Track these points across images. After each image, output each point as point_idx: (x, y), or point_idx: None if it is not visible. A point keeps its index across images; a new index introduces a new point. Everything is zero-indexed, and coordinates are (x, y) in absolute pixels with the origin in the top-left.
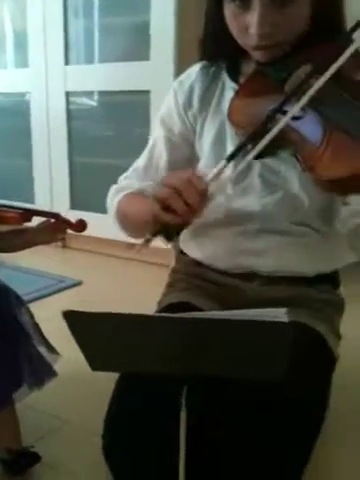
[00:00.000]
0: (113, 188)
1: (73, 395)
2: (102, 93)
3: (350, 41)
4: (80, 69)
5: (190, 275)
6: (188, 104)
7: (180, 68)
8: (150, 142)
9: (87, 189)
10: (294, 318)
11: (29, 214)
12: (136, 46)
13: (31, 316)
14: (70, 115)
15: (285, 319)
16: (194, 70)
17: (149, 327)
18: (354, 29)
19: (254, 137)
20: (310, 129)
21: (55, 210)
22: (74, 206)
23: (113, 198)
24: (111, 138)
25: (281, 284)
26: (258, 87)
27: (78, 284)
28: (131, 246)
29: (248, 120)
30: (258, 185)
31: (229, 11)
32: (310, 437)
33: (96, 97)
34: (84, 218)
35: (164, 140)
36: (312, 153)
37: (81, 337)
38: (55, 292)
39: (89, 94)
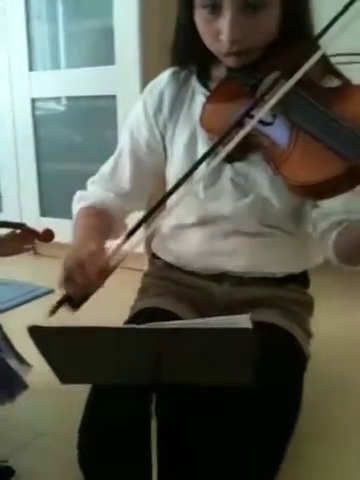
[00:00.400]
0: (77, 194)
1: (46, 406)
2: (68, 98)
3: (316, 48)
4: (45, 75)
5: (162, 278)
6: (158, 111)
7: (146, 71)
8: (117, 149)
9: (56, 196)
10: (265, 319)
11: None
12: (101, 51)
13: (7, 340)
14: (36, 121)
15: (249, 325)
16: (164, 76)
17: (114, 339)
18: (320, 36)
19: (222, 142)
20: (279, 134)
21: (25, 218)
22: (44, 213)
23: (75, 205)
24: (79, 144)
25: (252, 285)
26: (229, 93)
27: (50, 292)
28: None
29: (220, 125)
30: (229, 189)
31: (200, 17)
32: (283, 436)
33: (62, 103)
34: (55, 225)
35: (129, 153)
36: (282, 157)
37: (47, 351)
38: (27, 301)
39: (55, 100)
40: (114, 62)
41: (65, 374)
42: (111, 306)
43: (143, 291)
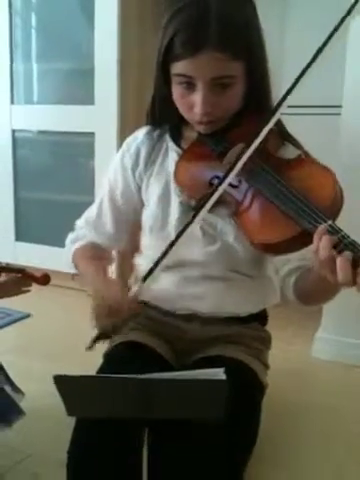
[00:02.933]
0: (70, 237)
1: (34, 429)
2: (49, 133)
3: (266, 121)
4: (28, 109)
5: (137, 315)
6: (135, 165)
7: (122, 112)
8: (98, 198)
9: (31, 221)
10: (230, 354)
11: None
12: (82, 91)
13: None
14: (16, 152)
15: (223, 377)
16: (140, 134)
17: (114, 384)
18: (275, 110)
19: (199, 203)
20: (242, 195)
21: (1, 241)
22: (19, 237)
23: (70, 246)
24: (55, 174)
25: (218, 324)
26: (199, 154)
27: (26, 317)
28: (75, 276)
29: (191, 182)
30: (200, 237)
31: (177, 91)
32: (244, 454)
33: (43, 136)
34: (28, 249)
35: (109, 202)
36: (243, 215)
37: (66, 393)
38: (3, 326)
39: (36, 133)
40: (94, 102)
41: (75, 409)
42: (86, 332)
43: None
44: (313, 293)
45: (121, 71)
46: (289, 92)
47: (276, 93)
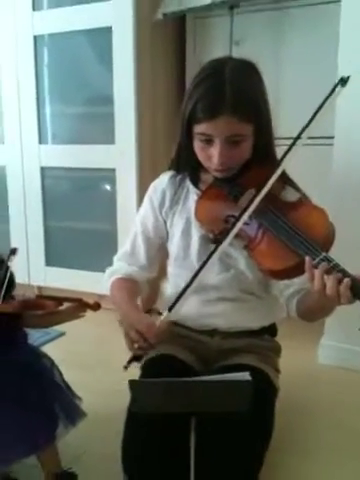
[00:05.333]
0: (108, 270)
1: (89, 429)
2: (75, 169)
3: (273, 173)
4: (55, 148)
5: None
6: (162, 205)
7: (140, 150)
8: (132, 232)
9: (60, 248)
10: (247, 362)
11: (61, 300)
12: (105, 132)
13: (60, 372)
14: (44, 186)
15: (249, 378)
16: (164, 179)
17: (168, 386)
18: (281, 160)
19: (219, 237)
20: (253, 231)
21: (32, 267)
22: (49, 263)
23: (108, 278)
24: (81, 206)
25: (235, 337)
26: (216, 196)
27: (62, 335)
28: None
29: (209, 218)
30: (216, 265)
31: (198, 145)
32: (262, 446)
33: (69, 172)
34: (58, 273)
35: (141, 236)
36: (253, 247)
37: (137, 394)
38: (43, 344)
39: (62, 170)
40: (114, 142)
41: (139, 406)
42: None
43: None
44: (313, 311)
45: (137, 114)
46: (287, 153)
47: (275, 122)
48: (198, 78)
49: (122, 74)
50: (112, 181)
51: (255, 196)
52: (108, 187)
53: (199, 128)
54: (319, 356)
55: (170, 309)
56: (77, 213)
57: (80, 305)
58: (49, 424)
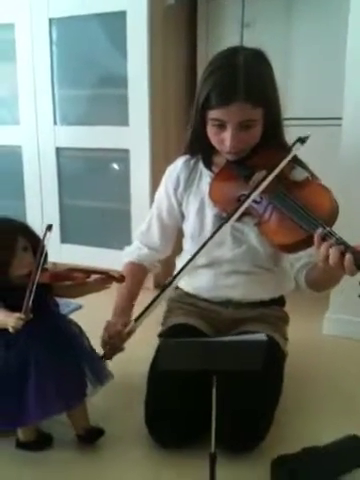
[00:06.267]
0: (126, 249)
1: (113, 391)
2: (90, 150)
3: (288, 153)
4: (70, 129)
5: (183, 303)
6: (177, 188)
7: (153, 132)
8: (149, 215)
9: (75, 226)
10: (258, 330)
11: (90, 273)
12: (119, 114)
13: (87, 338)
14: (60, 166)
15: (264, 338)
16: (179, 163)
17: (192, 345)
18: (293, 145)
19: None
20: (263, 209)
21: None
22: (64, 240)
23: (124, 258)
24: (95, 185)
25: (247, 307)
26: (228, 177)
27: (80, 308)
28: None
29: (222, 198)
30: (229, 240)
31: (211, 129)
32: (273, 400)
33: (84, 153)
34: (72, 250)
35: (156, 218)
36: (263, 224)
37: (165, 351)
38: (68, 313)
39: (77, 150)
40: (128, 124)
41: (167, 364)
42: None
43: (170, 311)
44: (320, 282)
45: (151, 96)
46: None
47: (283, 103)
48: (211, 66)
49: (136, 57)
50: (126, 161)
51: (265, 176)
52: (116, 166)
53: (213, 114)
54: (324, 327)
55: (136, 320)
56: (91, 192)
57: (106, 277)
58: (80, 383)
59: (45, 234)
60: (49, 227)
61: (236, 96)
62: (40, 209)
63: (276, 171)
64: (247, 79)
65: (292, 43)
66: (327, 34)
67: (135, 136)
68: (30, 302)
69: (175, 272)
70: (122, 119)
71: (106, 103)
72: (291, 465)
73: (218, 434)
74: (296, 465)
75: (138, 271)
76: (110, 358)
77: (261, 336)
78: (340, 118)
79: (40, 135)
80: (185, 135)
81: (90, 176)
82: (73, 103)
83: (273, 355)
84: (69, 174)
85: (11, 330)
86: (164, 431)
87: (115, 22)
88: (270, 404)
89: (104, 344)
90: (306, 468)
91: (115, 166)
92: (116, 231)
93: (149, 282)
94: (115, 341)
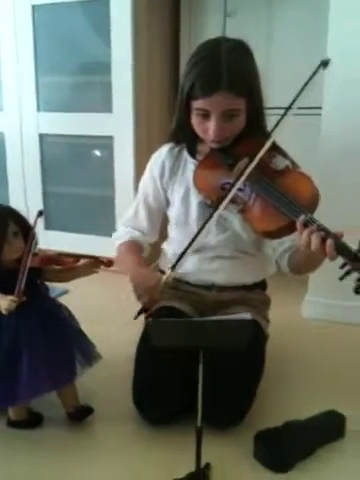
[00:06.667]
0: (115, 235)
1: (101, 371)
2: (73, 136)
3: (268, 137)
4: (53, 116)
5: (169, 287)
6: (162, 174)
7: (137, 118)
8: (135, 202)
9: (59, 212)
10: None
11: (79, 258)
12: (102, 101)
13: (76, 320)
14: (43, 153)
15: (249, 317)
16: (164, 150)
17: (180, 324)
18: (271, 132)
19: (216, 203)
20: (247, 196)
21: None
22: (48, 227)
23: (115, 241)
24: (79, 172)
25: (231, 290)
26: (212, 164)
27: (65, 293)
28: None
29: (206, 186)
30: (215, 227)
31: (195, 119)
32: (255, 377)
33: (67, 139)
34: (56, 236)
35: (143, 203)
36: (247, 211)
37: (155, 330)
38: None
39: (61, 136)
40: (112, 110)
41: (159, 341)
42: (113, 304)
43: None
44: (302, 265)
45: (134, 83)
46: (274, 128)
47: (265, 93)
48: (195, 57)
49: (120, 44)
50: (110, 148)
51: (248, 164)
52: (97, 153)
53: (197, 104)
54: (303, 310)
55: (173, 268)
56: (75, 179)
57: (95, 262)
58: (70, 363)
59: (36, 220)
60: (40, 213)
61: (219, 86)
62: (23, 196)
63: (260, 154)
64: (230, 70)
65: (274, 32)
66: (308, 23)
67: (119, 123)
68: (23, 285)
69: (166, 259)
70: (106, 106)
71: (90, 90)
72: (273, 438)
73: (204, 412)
74: (278, 438)
75: (135, 246)
76: (151, 309)
77: (246, 315)
78: (320, 107)
79: (23, 122)
80: (169, 123)
81: (74, 163)
82: (56, 90)
83: (255, 336)
84: (52, 161)
85: (4, 312)
86: (151, 409)
87: (99, 9)
88: (252, 382)
89: (141, 296)
90: (288, 440)
91: (97, 152)
92: (100, 217)
93: None
94: (154, 292)
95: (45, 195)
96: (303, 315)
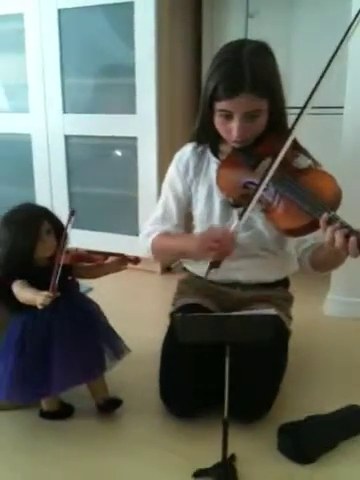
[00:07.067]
0: (143, 233)
1: (128, 366)
2: (98, 137)
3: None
4: (78, 117)
5: (193, 285)
6: (186, 173)
7: (159, 119)
8: (162, 198)
9: (84, 212)
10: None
11: (107, 255)
12: (126, 102)
13: (104, 316)
14: (69, 154)
15: (274, 313)
16: (187, 150)
17: (207, 319)
18: (291, 129)
19: (246, 202)
20: (271, 196)
21: None
22: (73, 226)
23: (146, 239)
24: (104, 172)
25: (254, 288)
26: (235, 164)
27: (90, 290)
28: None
29: (229, 185)
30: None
31: (218, 119)
32: (279, 373)
33: (93, 140)
34: (81, 235)
35: (173, 198)
36: (271, 210)
37: (181, 326)
38: None
39: (86, 138)
40: (135, 112)
41: (185, 337)
42: (134, 299)
43: (181, 292)
44: (325, 263)
45: (157, 85)
46: (295, 123)
47: (286, 92)
48: (218, 59)
49: (143, 47)
50: (133, 149)
51: (271, 164)
52: (119, 153)
53: (220, 105)
54: (324, 308)
55: (240, 217)
56: (100, 179)
57: (123, 259)
58: (100, 357)
59: (70, 218)
60: (72, 212)
61: (242, 88)
62: (49, 196)
63: (283, 151)
64: (253, 72)
65: (295, 33)
66: (329, 24)
67: (142, 124)
68: (57, 281)
69: None
70: (129, 107)
71: (114, 92)
72: (297, 431)
73: (229, 406)
74: (301, 431)
75: (170, 234)
76: (218, 266)
77: (271, 311)
78: (341, 107)
79: (49, 123)
80: (192, 125)
81: (98, 163)
82: (81, 92)
83: (279, 332)
84: (77, 161)
85: (39, 306)
86: (177, 402)
87: (122, 12)
88: (276, 376)
89: (210, 251)
90: (311, 433)
91: (120, 153)
92: (124, 217)
93: (156, 266)
94: (224, 244)
95: (70, 195)
96: (325, 313)
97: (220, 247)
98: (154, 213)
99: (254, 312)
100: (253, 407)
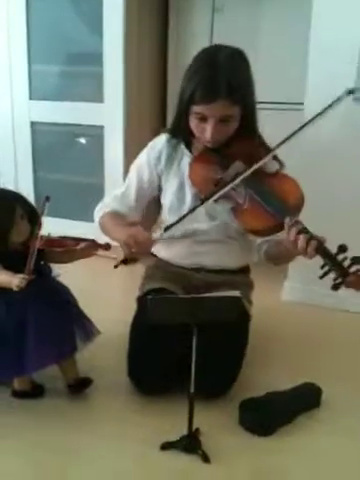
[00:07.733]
0: (100, 205)
1: (97, 347)
2: (64, 125)
3: (267, 149)
4: (45, 104)
5: (160, 269)
6: (158, 162)
7: (127, 108)
8: (128, 178)
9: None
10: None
11: (79, 241)
12: (94, 90)
13: (75, 299)
14: (34, 141)
15: (238, 295)
16: (161, 140)
17: (177, 301)
18: (276, 147)
19: (208, 197)
20: (239, 196)
21: None
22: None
23: (98, 212)
24: (69, 160)
25: (217, 273)
26: (206, 160)
27: (58, 276)
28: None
29: (201, 179)
30: (203, 216)
31: (193, 120)
32: (241, 350)
33: (59, 128)
34: (48, 222)
35: (136, 184)
36: (238, 209)
37: (153, 307)
38: None
39: (52, 125)
40: (103, 100)
41: (155, 318)
42: (101, 284)
43: (148, 277)
44: (278, 257)
45: (125, 74)
46: (279, 145)
47: None
48: (195, 65)
49: (111, 35)
50: (100, 137)
51: (244, 170)
52: (88, 142)
53: (196, 109)
54: (282, 294)
55: (165, 229)
56: (66, 167)
57: (93, 245)
58: (71, 338)
59: (44, 204)
60: (47, 198)
61: (218, 95)
62: (14, 183)
63: (257, 165)
64: (228, 80)
65: (260, 28)
66: (294, 20)
67: (110, 113)
68: (32, 264)
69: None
70: (97, 96)
71: (81, 80)
72: (256, 405)
73: (195, 381)
74: (261, 406)
75: (118, 216)
76: (126, 263)
77: (235, 293)
78: (302, 103)
79: (15, 109)
80: (158, 116)
81: (65, 151)
82: (48, 79)
83: (241, 317)
84: (43, 148)
85: (15, 288)
86: (145, 380)
87: (92, 1)
88: (238, 355)
89: (128, 248)
90: (269, 408)
91: (84, 141)
92: (89, 204)
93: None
94: (141, 248)
95: (36, 182)
96: (282, 299)
97: (137, 248)
98: (118, 189)
99: (220, 294)
100: (217, 382)
